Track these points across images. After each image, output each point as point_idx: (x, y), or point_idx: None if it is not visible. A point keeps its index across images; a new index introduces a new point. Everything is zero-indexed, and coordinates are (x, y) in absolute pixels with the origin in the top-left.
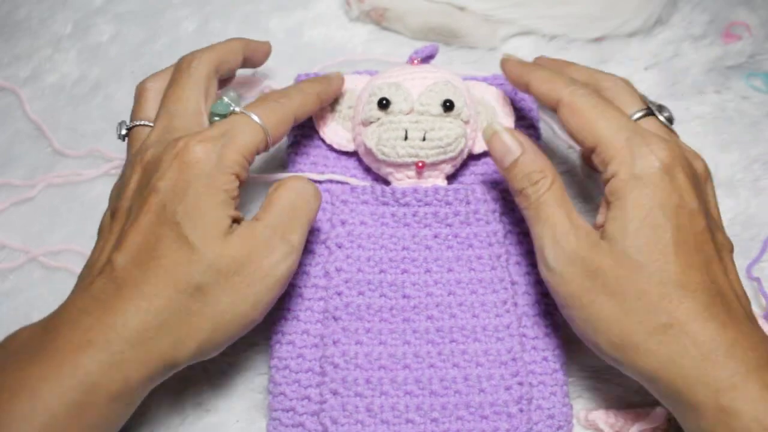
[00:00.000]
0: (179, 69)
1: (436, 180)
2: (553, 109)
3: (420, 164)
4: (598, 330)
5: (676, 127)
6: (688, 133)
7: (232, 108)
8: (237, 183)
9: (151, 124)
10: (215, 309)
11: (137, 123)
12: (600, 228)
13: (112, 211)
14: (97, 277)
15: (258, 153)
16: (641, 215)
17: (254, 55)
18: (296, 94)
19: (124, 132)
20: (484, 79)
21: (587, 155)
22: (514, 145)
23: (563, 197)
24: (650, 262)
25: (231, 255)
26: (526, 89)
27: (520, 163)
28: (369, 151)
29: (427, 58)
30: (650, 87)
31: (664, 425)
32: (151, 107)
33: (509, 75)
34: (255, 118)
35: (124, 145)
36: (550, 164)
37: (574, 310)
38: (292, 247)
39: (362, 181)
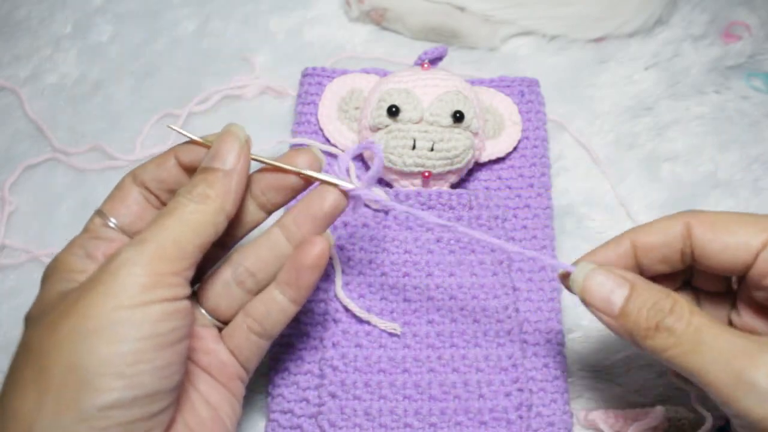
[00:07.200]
0: None
1: (441, 189)
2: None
3: (426, 174)
4: None
5: (676, 127)
6: (688, 133)
7: None
8: None
9: None
10: None
11: None
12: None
13: None
14: None
15: None
16: None
17: None
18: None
19: None
20: (491, 82)
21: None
22: (617, 282)
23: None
24: None
25: None
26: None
27: (637, 299)
28: None
29: (435, 60)
30: (650, 87)
31: (663, 425)
32: None
33: None
34: None
35: (124, 143)
36: (670, 290)
37: None
38: None
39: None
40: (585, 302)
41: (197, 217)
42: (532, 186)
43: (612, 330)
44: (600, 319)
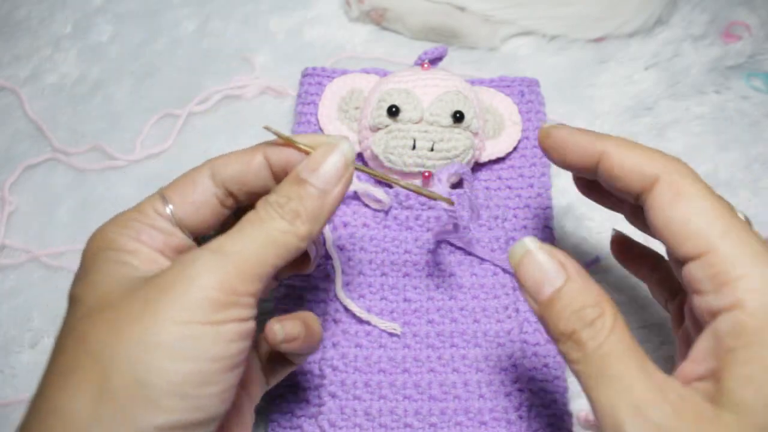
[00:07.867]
0: None
1: None
2: (632, 196)
3: (426, 174)
4: None
5: (676, 127)
6: (688, 133)
7: None
8: None
9: None
10: None
11: None
12: (693, 382)
13: None
14: None
15: None
16: None
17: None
18: None
19: None
20: (491, 82)
21: (675, 260)
22: (554, 268)
23: (632, 341)
24: None
25: None
26: (595, 164)
27: (565, 295)
28: (375, 157)
29: (435, 60)
30: (650, 87)
31: None
32: None
33: (562, 150)
34: None
35: (124, 143)
36: (605, 294)
37: None
38: None
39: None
40: (517, 280)
41: (285, 238)
42: (532, 186)
43: (536, 316)
44: (527, 301)
